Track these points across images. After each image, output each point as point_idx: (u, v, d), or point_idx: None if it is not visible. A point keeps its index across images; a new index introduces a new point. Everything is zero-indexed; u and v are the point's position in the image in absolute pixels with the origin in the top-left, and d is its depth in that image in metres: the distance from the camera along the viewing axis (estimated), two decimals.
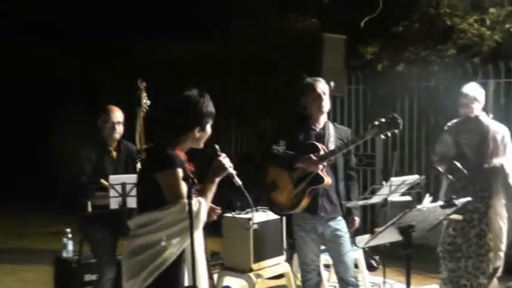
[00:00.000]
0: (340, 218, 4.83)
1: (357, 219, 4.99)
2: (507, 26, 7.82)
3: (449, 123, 5.64)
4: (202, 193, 3.19)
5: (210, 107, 3.36)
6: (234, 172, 3.29)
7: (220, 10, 10.25)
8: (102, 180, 4.58)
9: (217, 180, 3.28)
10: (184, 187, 3.14)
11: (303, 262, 4.89)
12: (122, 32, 11.42)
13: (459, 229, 4.24)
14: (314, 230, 4.80)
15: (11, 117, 13.21)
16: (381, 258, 6.87)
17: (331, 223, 4.79)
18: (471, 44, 8.07)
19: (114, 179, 4.56)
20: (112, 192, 4.53)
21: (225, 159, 3.26)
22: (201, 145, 3.39)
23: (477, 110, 5.44)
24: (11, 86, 13.07)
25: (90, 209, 4.69)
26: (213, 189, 3.27)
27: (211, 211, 3.46)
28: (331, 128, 4.87)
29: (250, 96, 10.38)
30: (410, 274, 3.33)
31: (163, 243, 3.14)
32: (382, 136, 4.52)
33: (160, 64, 10.49)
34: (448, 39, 8.24)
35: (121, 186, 4.51)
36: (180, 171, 3.17)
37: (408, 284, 3.21)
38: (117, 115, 5.12)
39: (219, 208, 3.54)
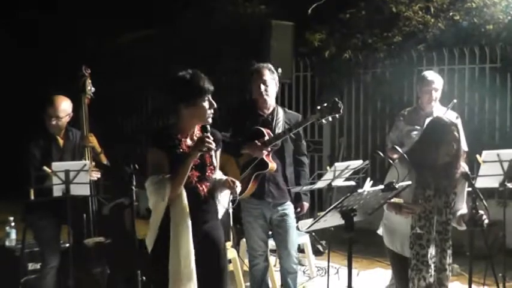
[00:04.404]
0: (288, 203, 4.85)
1: (306, 205, 5.00)
2: (451, 13, 7.97)
3: (404, 112, 5.67)
4: (179, 166, 3.38)
5: (199, 83, 3.48)
6: (213, 154, 3.52)
7: None
8: (45, 167, 4.49)
9: (196, 153, 3.41)
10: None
11: (251, 247, 4.91)
12: (64, 15, 11.15)
13: None
14: (262, 216, 4.82)
15: None
16: (327, 243, 6.94)
17: (279, 208, 4.81)
18: (416, 32, 8.21)
19: (57, 166, 4.49)
20: (55, 180, 4.46)
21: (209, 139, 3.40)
22: (208, 120, 3.55)
23: (438, 97, 5.49)
24: None
25: (33, 197, 4.61)
26: (190, 162, 3.40)
27: (226, 184, 3.62)
28: (280, 113, 4.84)
29: None
30: (356, 258, 3.38)
31: None
32: (324, 121, 4.56)
33: (104, 51, 10.30)
34: (393, 27, 8.35)
35: (64, 173, 4.45)
36: (155, 151, 3.45)
37: (350, 266, 3.26)
38: (63, 108, 4.94)
39: (237, 184, 3.63)
